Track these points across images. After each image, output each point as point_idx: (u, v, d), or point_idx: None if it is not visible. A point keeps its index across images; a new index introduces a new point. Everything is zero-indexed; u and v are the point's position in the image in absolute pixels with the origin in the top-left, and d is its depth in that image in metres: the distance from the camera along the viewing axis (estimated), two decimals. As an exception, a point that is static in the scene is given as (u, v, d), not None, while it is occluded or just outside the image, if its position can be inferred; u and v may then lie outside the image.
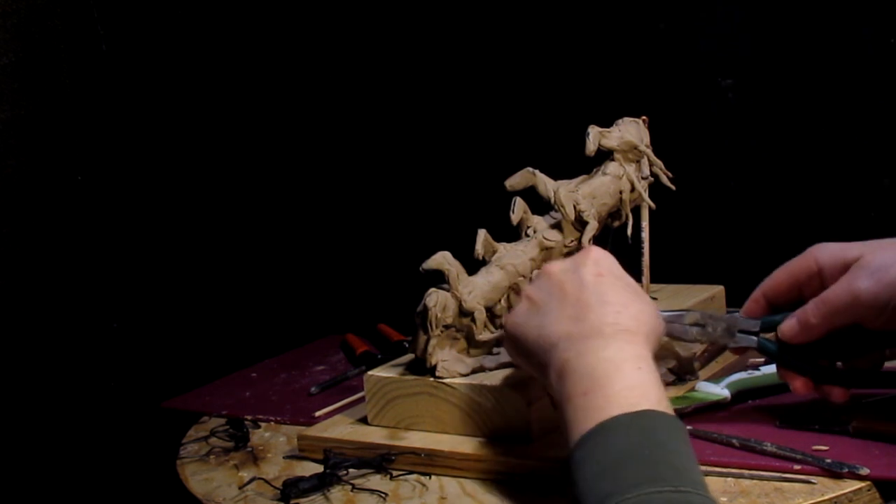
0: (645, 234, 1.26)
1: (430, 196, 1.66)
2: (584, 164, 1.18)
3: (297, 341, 1.58)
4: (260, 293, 1.67)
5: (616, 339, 0.84)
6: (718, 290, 1.29)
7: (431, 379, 1.05)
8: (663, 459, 0.74)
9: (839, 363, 0.97)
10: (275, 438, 1.18)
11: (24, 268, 1.37)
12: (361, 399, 1.15)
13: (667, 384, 1.12)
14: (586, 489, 0.74)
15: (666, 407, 0.79)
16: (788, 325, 0.95)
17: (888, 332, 0.91)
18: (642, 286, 1.27)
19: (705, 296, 1.25)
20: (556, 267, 0.93)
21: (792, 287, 0.96)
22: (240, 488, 1.03)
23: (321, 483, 0.99)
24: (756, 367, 1.11)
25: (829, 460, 0.90)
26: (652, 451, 0.74)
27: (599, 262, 0.91)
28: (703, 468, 0.93)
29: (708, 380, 1.09)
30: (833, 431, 0.96)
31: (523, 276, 1.09)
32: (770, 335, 0.97)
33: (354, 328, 1.55)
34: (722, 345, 1.00)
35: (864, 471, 0.88)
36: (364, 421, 1.10)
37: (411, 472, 1.01)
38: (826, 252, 0.95)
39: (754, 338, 0.97)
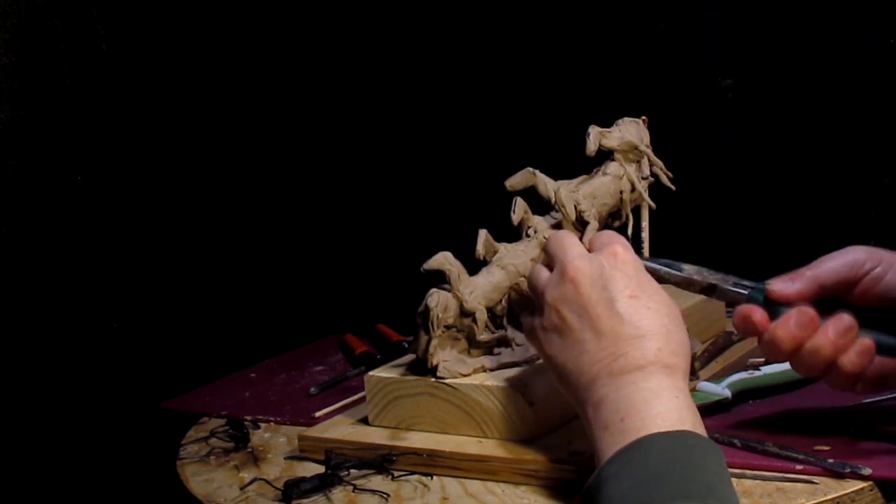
0: (645, 234, 1.26)
1: (431, 196, 1.66)
2: (584, 164, 1.18)
3: (297, 341, 1.58)
4: (259, 293, 1.67)
5: (656, 374, 0.83)
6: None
7: (432, 379, 1.05)
8: (699, 477, 0.74)
9: None
10: (275, 439, 1.18)
11: (24, 268, 1.36)
12: (361, 399, 1.15)
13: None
14: (620, 501, 0.74)
15: (702, 431, 0.80)
16: (780, 280, 0.93)
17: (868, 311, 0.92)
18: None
19: (705, 296, 1.25)
20: (584, 277, 0.88)
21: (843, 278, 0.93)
22: (241, 489, 1.03)
23: (322, 484, 0.99)
24: (757, 367, 1.12)
25: (831, 460, 0.90)
26: (688, 469, 0.74)
27: (625, 270, 0.88)
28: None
29: (709, 380, 1.09)
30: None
31: (524, 276, 1.09)
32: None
33: (353, 328, 1.55)
34: (713, 286, 0.96)
35: (867, 471, 0.88)
36: (365, 421, 1.10)
37: (413, 473, 1.01)
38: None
39: (745, 289, 0.94)
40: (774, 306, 0.92)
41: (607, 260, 0.88)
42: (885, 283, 0.92)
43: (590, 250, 0.92)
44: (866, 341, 0.89)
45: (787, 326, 0.89)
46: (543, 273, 0.93)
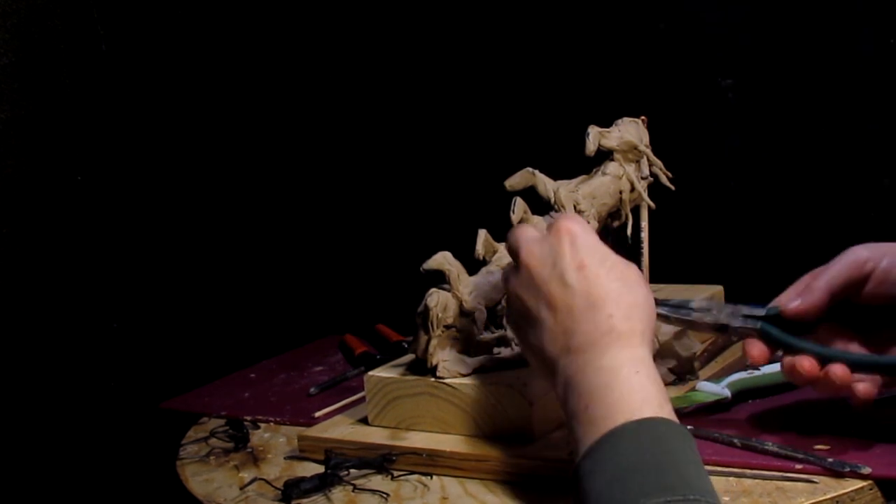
0: (644, 234, 1.26)
1: (431, 196, 1.66)
2: (584, 164, 1.18)
3: (296, 342, 1.58)
4: (258, 294, 1.67)
5: (611, 347, 0.82)
6: (718, 290, 1.29)
7: (432, 379, 1.05)
8: (673, 468, 0.73)
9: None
10: (275, 439, 1.18)
11: (24, 268, 1.36)
12: (361, 399, 1.15)
13: (667, 384, 1.12)
14: (596, 499, 0.74)
15: (669, 410, 0.79)
16: (787, 295, 0.94)
17: (877, 313, 0.92)
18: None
19: (705, 296, 1.25)
20: (534, 259, 0.88)
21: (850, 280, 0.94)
22: (241, 489, 1.03)
23: (322, 483, 0.99)
24: (756, 366, 1.11)
25: (830, 459, 0.90)
26: (661, 460, 0.74)
27: (574, 242, 0.87)
28: (705, 468, 0.93)
29: (708, 379, 1.09)
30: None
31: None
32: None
33: (353, 328, 1.55)
34: (724, 326, 0.97)
35: (866, 470, 0.88)
36: (364, 421, 1.10)
37: (413, 473, 1.01)
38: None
39: (757, 323, 0.95)
40: (787, 334, 0.93)
41: (555, 237, 0.88)
42: (894, 278, 0.91)
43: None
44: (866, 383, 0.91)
45: (792, 375, 0.93)
46: (507, 268, 0.94)
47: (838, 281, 0.93)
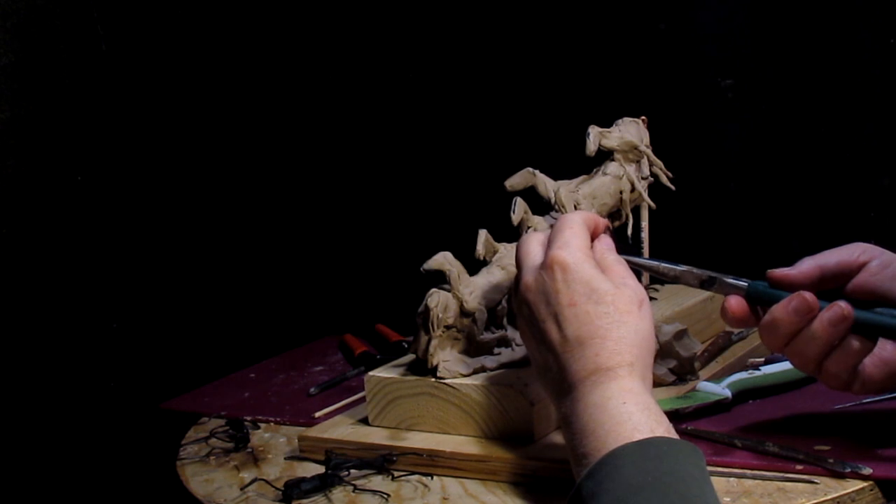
0: (645, 234, 1.26)
1: (431, 196, 1.66)
2: (584, 164, 1.18)
3: (296, 342, 1.58)
4: (258, 294, 1.67)
5: (598, 384, 0.83)
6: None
7: (433, 379, 1.05)
8: (674, 488, 0.73)
9: None
10: (275, 439, 1.18)
11: (24, 268, 1.36)
12: (361, 400, 1.15)
13: (667, 384, 1.12)
14: None
15: (664, 430, 0.79)
16: (780, 269, 0.93)
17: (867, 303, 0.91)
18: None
19: (705, 295, 1.26)
20: (531, 294, 0.90)
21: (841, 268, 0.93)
22: (241, 489, 1.03)
23: (323, 484, 0.99)
24: (757, 367, 1.12)
25: (831, 460, 0.90)
26: (662, 481, 0.74)
27: (567, 278, 0.88)
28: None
29: (709, 380, 1.10)
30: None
31: (524, 277, 1.09)
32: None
33: (353, 328, 1.55)
34: (712, 277, 0.95)
35: (867, 470, 0.88)
36: (365, 421, 1.10)
37: (413, 473, 1.01)
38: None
39: (745, 281, 0.93)
40: (775, 296, 0.91)
41: (548, 274, 0.89)
42: (878, 278, 0.91)
43: (551, 238, 0.92)
44: (854, 340, 0.89)
45: (786, 309, 0.89)
46: (515, 286, 0.95)
47: (830, 261, 0.92)
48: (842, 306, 0.88)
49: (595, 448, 0.79)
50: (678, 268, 0.98)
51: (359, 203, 1.72)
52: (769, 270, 0.93)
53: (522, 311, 0.92)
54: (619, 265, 0.91)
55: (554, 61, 1.57)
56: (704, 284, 0.96)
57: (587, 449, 0.80)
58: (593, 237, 0.94)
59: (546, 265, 0.89)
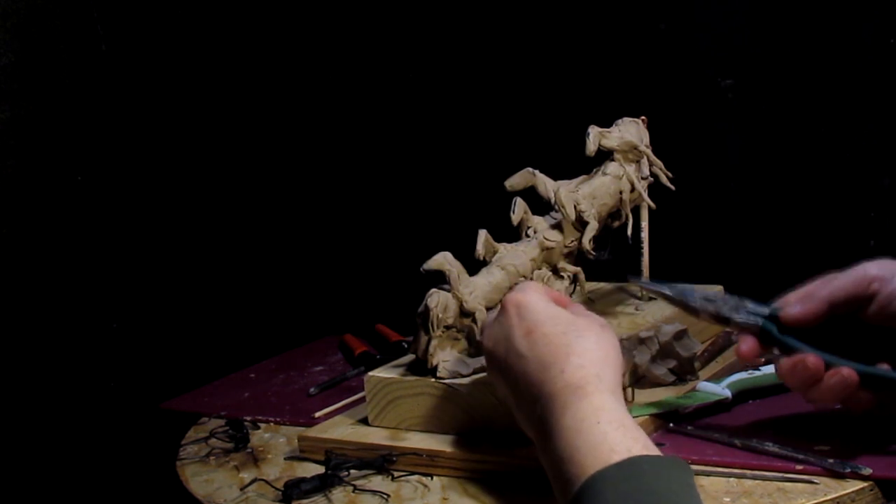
0: (645, 234, 1.26)
1: (431, 196, 1.66)
2: (584, 164, 1.18)
3: (296, 342, 1.58)
4: (258, 294, 1.67)
5: (569, 404, 0.82)
6: (718, 290, 1.29)
7: (432, 379, 1.05)
8: None
9: None
10: (274, 439, 1.18)
11: (24, 268, 1.36)
12: (361, 400, 1.15)
13: (667, 384, 1.12)
14: None
15: (642, 445, 0.77)
16: (789, 299, 0.93)
17: (881, 334, 0.91)
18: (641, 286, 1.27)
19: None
20: (490, 341, 0.92)
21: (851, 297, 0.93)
22: (241, 489, 1.03)
23: (323, 484, 0.99)
24: (757, 367, 1.11)
25: (831, 460, 0.90)
26: (642, 501, 0.72)
27: (522, 312, 0.89)
28: (706, 468, 0.93)
29: (709, 380, 1.09)
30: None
31: (524, 277, 1.09)
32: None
33: (353, 329, 1.55)
34: (725, 318, 0.96)
35: (867, 471, 0.88)
36: (365, 422, 1.10)
37: (413, 473, 1.01)
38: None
39: (759, 319, 0.94)
40: (788, 336, 0.92)
41: (504, 316, 0.91)
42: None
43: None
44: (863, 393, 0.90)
45: (791, 371, 0.90)
46: None
47: (841, 294, 0.92)
48: (843, 375, 0.88)
49: (575, 474, 0.77)
50: (692, 304, 0.98)
51: (359, 203, 1.72)
52: (780, 312, 0.93)
53: (489, 363, 0.93)
54: (578, 305, 0.94)
55: (554, 61, 1.57)
56: (719, 322, 0.97)
57: (568, 475, 0.77)
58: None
59: (501, 308, 0.92)
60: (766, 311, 0.95)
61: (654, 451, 0.77)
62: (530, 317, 0.89)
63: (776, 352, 0.94)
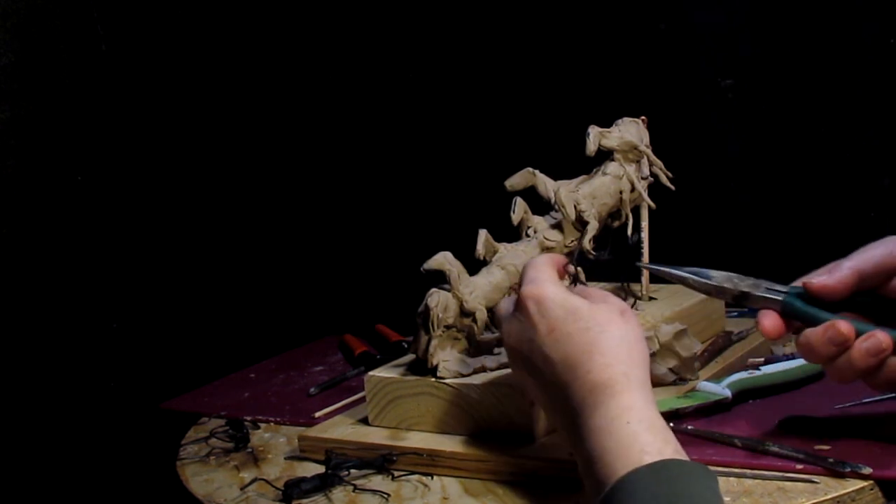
0: (645, 234, 1.26)
1: (431, 196, 1.66)
2: (584, 164, 1.18)
3: (296, 342, 1.58)
4: (258, 294, 1.67)
5: (598, 405, 0.81)
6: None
7: (433, 379, 1.05)
8: None
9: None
10: (275, 439, 1.18)
11: (24, 268, 1.36)
12: (361, 400, 1.15)
13: (667, 384, 1.12)
14: None
15: (672, 449, 0.77)
16: (817, 274, 0.90)
17: None
18: (641, 286, 1.27)
19: (705, 296, 1.25)
20: (512, 339, 0.90)
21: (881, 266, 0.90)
22: (241, 489, 1.03)
23: (323, 484, 0.99)
24: (757, 367, 1.12)
25: (831, 459, 0.90)
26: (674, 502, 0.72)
27: (541, 309, 0.88)
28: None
29: (709, 379, 1.09)
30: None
31: (524, 277, 1.10)
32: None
33: (353, 328, 1.55)
34: (745, 293, 0.93)
35: (867, 470, 0.88)
36: (365, 421, 1.10)
37: (413, 473, 1.01)
38: None
39: (780, 294, 0.92)
40: (813, 307, 0.90)
41: (522, 312, 0.89)
42: None
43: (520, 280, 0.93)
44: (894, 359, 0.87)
45: (821, 338, 0.87)
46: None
47: (869, 264, 0.90)
48: (879, 338, 0.86)
49: (606, 475, 0.77)
50: (710, 282, 0.95)
51: (358, 203, 1.72)
52: (805, 280, 0.90)
53: (513, 360, 0.92)
54: (595, 289, 0.92)
55: (554, 61, 1.57)
56: (738, 300, 0.94)
57: (599, 476, 0.77)
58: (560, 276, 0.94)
59: (519, 304, 0.90)
60: (784, 289, 0.92)
61: (684, 454, 0.77)
62: (550, 313, 0.87)
63: (799, 327, 0.90)
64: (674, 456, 0.76)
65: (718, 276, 0.96)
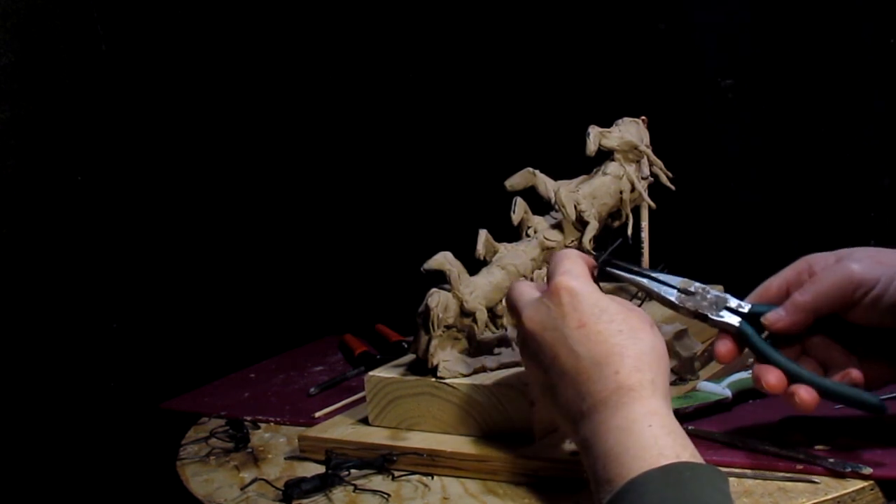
0: (645, 234, 1.26)
1: (431, 196, 1.66)
2: (584, 164, 1.18)
3: (296, 342, 1.58)
4: (258, 294, 1.67)
5: (621, 405, 0.81)
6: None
7: (433, 379, 1.05)
8: None
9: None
10: (275, 439, 1.18)
11: (24, 268, 1.36)
12: (361, 400, 1.15)
13: (667, 384, 1.12)
14: None
15: (690, 454, 0.77)
16: (774, 311, 0.93)
17: (869, 331, 0.91)
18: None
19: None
20: (536, 325, 0.88)
21: (782, 290, 0.94)
22: (241, 489, 1.03)
23: (323, 484, 0.99)
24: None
25: (831, 460, 0.90)
26: None
27: (575, 303, 0.86)
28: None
29: (709, 379, 1.09)
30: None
31: (524, 277, 1.10)
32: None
33: (353, 328, 1.55)
34: (703, 315, 0.95)
35: (867, 470, 0.88)
36: (365, 421, 1.10)
37: (413, 473, 1.01)
38: (818, 256, 0.95)
39: (737, 320, 0.93)
40: (764, 341, 0.92)
41: (552, 300, 0.87)
42: (885, 303, 0.90)
43: (549, 272, 0.91)
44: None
45: (757, 384, 0.92)
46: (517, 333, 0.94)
47: (825, 302, 0.91)
48: (801, 397, 0.89)
49: (618, 473, 0.77)
50: (671, 298, 0.96)
51: (359, 203, 1.72)
52: (764, 318, 0.93)
53: (526, 344, 0.90)
54: (621, 298, 0.91)
55: (554, 61, 1.57)
56: (697, 318, 0.96)
57: (610, 474, 0.77)
58: None
59: (551, 292, 0.88)
60: (746, 308, 0.94)
61: (700, 459, 0.77)
62: (583, 308, 0.86)
63: (750, 360, 0.94)
64: (690, 459, 0.76)
65: (678, 295, 0.96)
